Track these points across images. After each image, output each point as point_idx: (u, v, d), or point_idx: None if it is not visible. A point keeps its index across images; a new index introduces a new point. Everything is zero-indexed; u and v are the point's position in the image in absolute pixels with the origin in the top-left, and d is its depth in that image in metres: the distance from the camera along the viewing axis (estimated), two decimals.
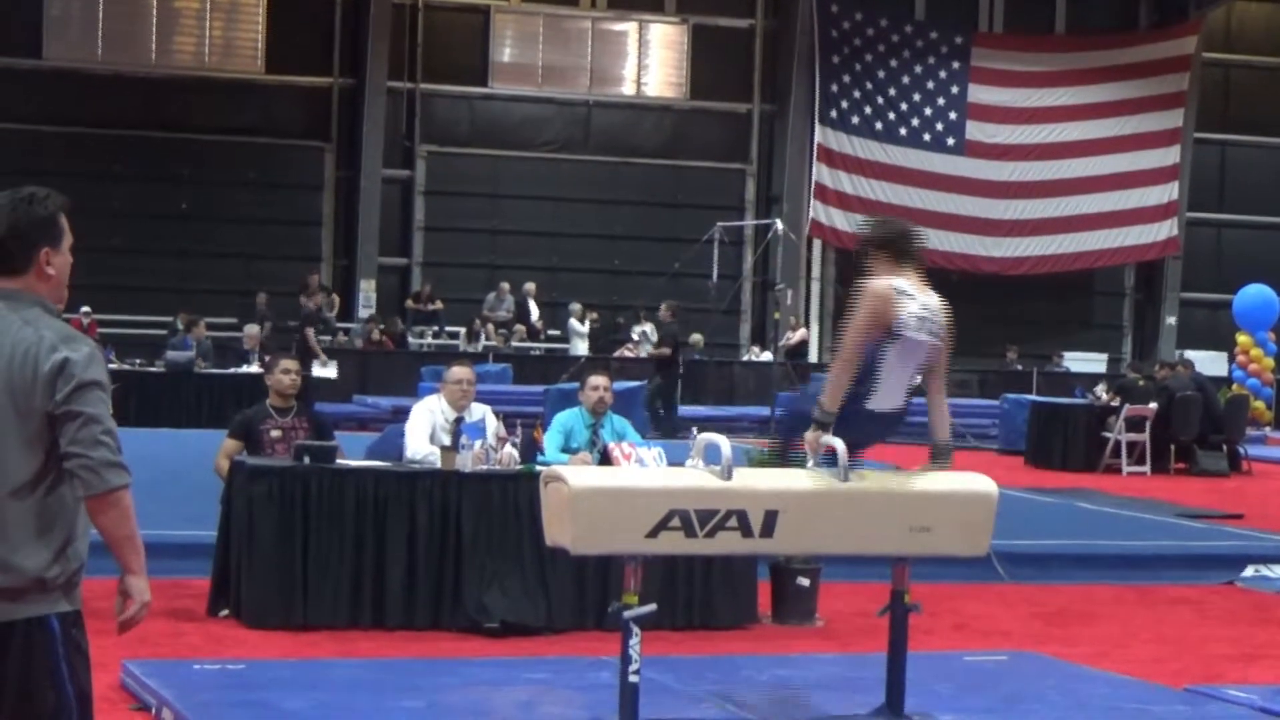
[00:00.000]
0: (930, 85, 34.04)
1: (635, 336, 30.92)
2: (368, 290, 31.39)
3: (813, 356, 32.65)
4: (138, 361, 24.40)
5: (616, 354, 29.23)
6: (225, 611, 9.86)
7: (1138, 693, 8.52)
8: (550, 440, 10.77)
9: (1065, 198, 34.56)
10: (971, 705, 8.09)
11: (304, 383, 11.79)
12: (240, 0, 31.85)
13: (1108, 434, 21.98)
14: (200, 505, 11.53)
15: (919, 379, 7.63)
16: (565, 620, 9.89)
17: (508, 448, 10.07)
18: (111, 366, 21.11)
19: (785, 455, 8.23)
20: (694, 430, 8.55)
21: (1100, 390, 24.17)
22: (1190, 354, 29.63)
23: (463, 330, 30.83)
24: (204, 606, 9.96)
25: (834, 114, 33.51)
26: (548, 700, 8.00)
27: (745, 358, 32.28)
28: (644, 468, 9.64)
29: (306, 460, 9.81)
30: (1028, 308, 33.97)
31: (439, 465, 9.98)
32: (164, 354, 24.64)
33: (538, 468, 9.46)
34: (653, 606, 6.99)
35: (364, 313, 30.70)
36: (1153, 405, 21.90)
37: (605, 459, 10.18)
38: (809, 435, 7.36)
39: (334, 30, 32.04)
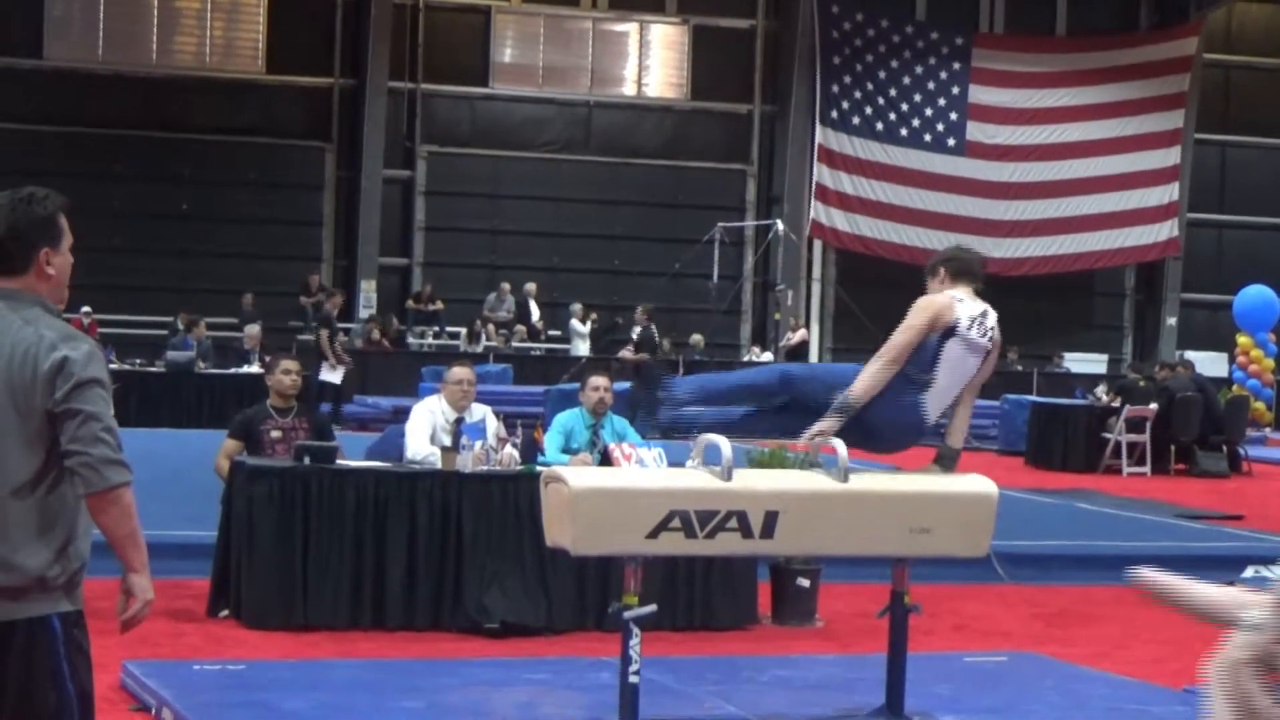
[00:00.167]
0: (931, 86, 34.04)
1: (635, 337, 30.93)
2: (368, 290, 31.39)
3: (813, 357, 32.64)
4: (138, 361, 24.42)
5: (618, 354, 29.21)
6: (225, 612, 9.86)
7: (1137, 693, 8.52)
8: (551, 441, 10.77)
9: (1066, 198, 34.55)
10: (971, 706, 8.09)
11: (306, 384, 11.80)
12: (241, 0, 31.85)
13: (1108, 435, 21.98)
14: (200, 505, 11.53)
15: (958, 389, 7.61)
16: (565, 621, 9.89)
17: (508, 448, 10.08)
18: (112, 366, 21.12)
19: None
20: (694, 431, 8.55)
21: (1100, 391, 24.18)
22: (1190, 355, 29.63)
23: (463, 331, 30.83)
24: (204, 607, 9.96)
25: (835, 114, 33.51)
26: (548, 701, 8.00)
27: (746, 358, 32.28)
28: (644, 468, 9.63)
29: (307, 460, 9.81)
30: (1028, 308, 33.93)
31: (439, 466, 9.99)
32: (164, 354, 24.65)
33: (538, 468, 9.47)
34: (653, 607, 6.99)
35: (364, 313, 30.70)
36: (1153, 406, 21.90)
37: (606, 459, 10.18)
38: (823, 423, 7.23)
39: (335, 30, 32.04)
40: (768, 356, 30.69)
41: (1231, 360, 29.95)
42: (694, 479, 7.12)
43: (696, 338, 31.22)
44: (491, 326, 30.77)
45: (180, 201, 31.19)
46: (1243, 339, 29.29)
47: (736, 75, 33.99)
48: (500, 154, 32.93)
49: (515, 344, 30.49)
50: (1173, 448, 22.21)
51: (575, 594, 9.92)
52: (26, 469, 4.26)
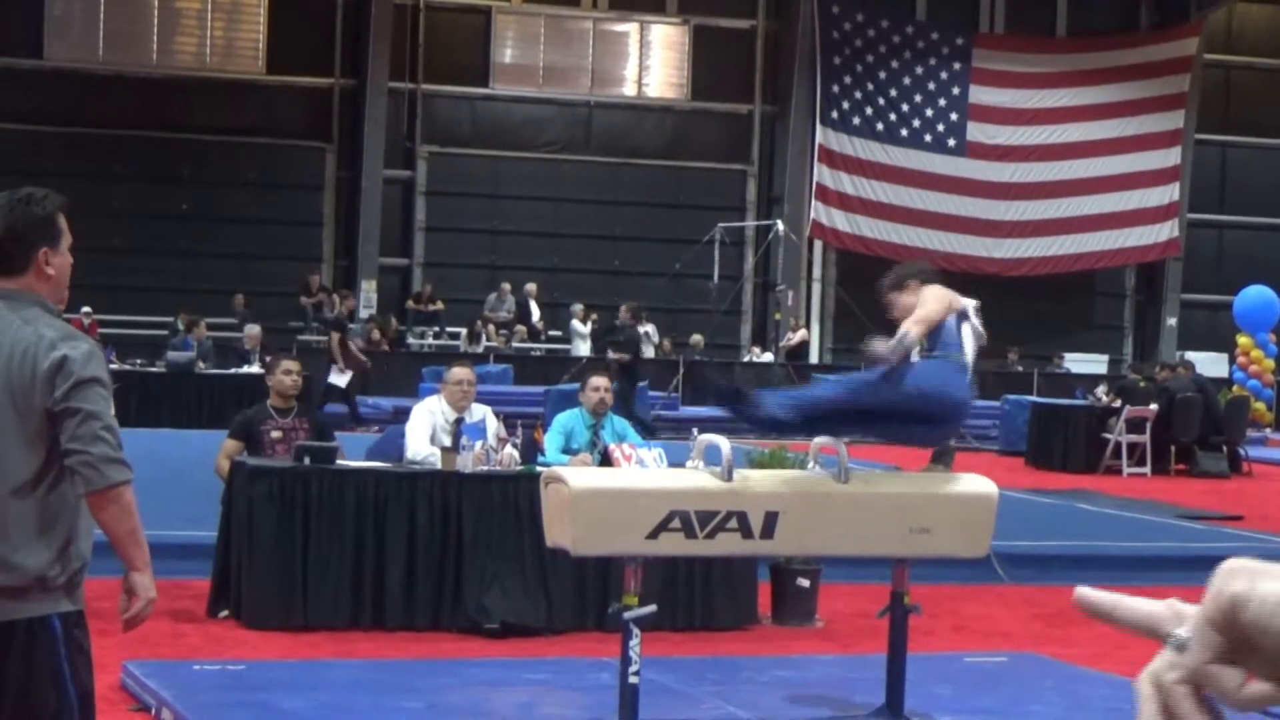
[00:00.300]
0: (931, 86, 34.04)
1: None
2: (368, 291, 31.38)
3: (813, 357, 32.66)
4: (138, 362, 24.41)
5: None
6: (225, 612, 9.86)
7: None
8: (551, 441, 10.77)
9: (1066, 199, 34.55)
10: (971, 706, 8.10)
11: (307, 385, 11.79)
12: (241, 1, 31.85)
13: (1108, 435, 21.98)
14: (200, 506, 11.54)
15: None
16: (565, 621, 9.89)
17: (508, 448, 10.08)
18: (112, 367, 21.10)
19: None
20: (695, 431, 8.56)
21: (1101, 391, 24.18)
22: (1191, 355, 29.62)
23: (464, 331, 30.83)
24: (204, 607, 9.96)
25: (835, 115, 33.51)
26: (547, 701, 8.01)
27: (746, 358, 32.29)
28: (644, 469, 9.64)
29: (307, 461, 9.82)
30: (1028, 309, 33.94)
31: (439, 466, 9.99)
32: (165, 354, 24.65)
33: (538, 469, 9.47)
34: (653, 608, 6.99)
35: (365, 313, 30.70)
36: (1153, 406, 21.89)
37: (606, 460, 10.19)
38: (883, 345, 7.30)
39: (335, 31, 32.05)
40: (768, 357, 30.70)
41: (1232, 361, 29.94)
42: (694, 479, 7.13)
43: (697, 338, 31.23)
44: (492, 327, 30.78)
45: (180, 201, 31.20)
46: (1243, 339, 29.29)
47: (737, 75, 33.99)
48: (501, 154, 32.93)
49: (515, 344, 30.49)
50: (1173, 448, 22.21)
51: (575, 594, 9.92)
52: (27, 468, 4.26)
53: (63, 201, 4.50)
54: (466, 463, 9.88)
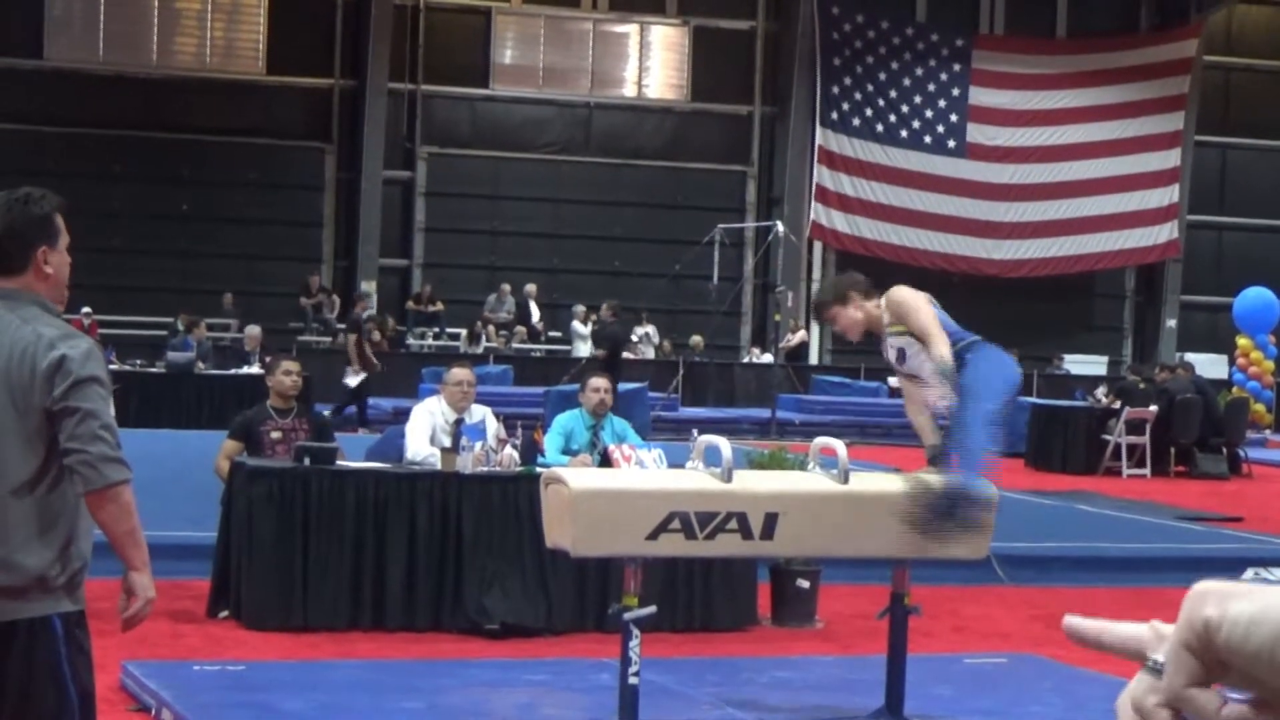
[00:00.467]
0: (931, 87, 34.05)
1: (635, 338, 30.94)
2: (368, 291, 31.38)
3: (812, 358, 32.68)
4: (138, 362, 24.41)
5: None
6: (225, 613, 9.86)
7: None
8: (550, 442, 10.78)
9: (1066, 200, 34.55)
10: (971, 707, 8.10)
11: (307, 385, 11.79)
12: (241, 1, 31.86)
13: (1108, 436, 21.97)
14: (200, 506, 11.54)
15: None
16: (565, 622, 9.89)
17: (508, 449, 10.08)
18: (112, 367, 21.11)
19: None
20: (694, 432, 8.57)
21: (1100, 393, 24.18)
22: (1190, 357, 29.62)
23: (463, 332, 30.83)
24: (204, 608, 9.96)
25: (835, 116, 33.52)
26: (547, 702, 8.01)
27: (745, 359, 32.30)
28: (644, 470, 9.64)
29: (307, 461, 9.82)
30: (1028, 310, 33.95)
31: (439, 467, 9.99)
32: (164, 354, 24.65)
33: (538, 469, 9.47)
34: (653, 608, 7.00)
35: (364, 314, 30.69)
36: (1153, 408, 21.89)
37: (605, 461, 10.19)
38: (938, 393, 7.32)
39: (335, 31, 32.05)
40: (767, 358, 30.70)
41: (1231, 362, 29.96)
42: (694, 480, 7.13)
43: (696, 339, 31.24)
44: (491, 328, 30.78)
45: (180, 202, 31.20)
46: (1242, 341, 29.30)
47: (737, 77, 34.00)
48: (500, 155, 32.93)
49: (515, 345, 30.50)
50: (1172, 450, 22.20)
51: (575, 595, 9.92)
52: (26, 468, 4.26)
53: (60, 201, 4.50)
54: (466, 463, 9.88)
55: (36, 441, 4.27)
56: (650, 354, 31.02)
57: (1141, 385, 22.70)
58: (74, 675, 4.28)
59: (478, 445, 9.98)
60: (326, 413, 23.60)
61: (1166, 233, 35.05)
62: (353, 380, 24.28)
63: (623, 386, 17.85)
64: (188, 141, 31.22)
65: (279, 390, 10.70)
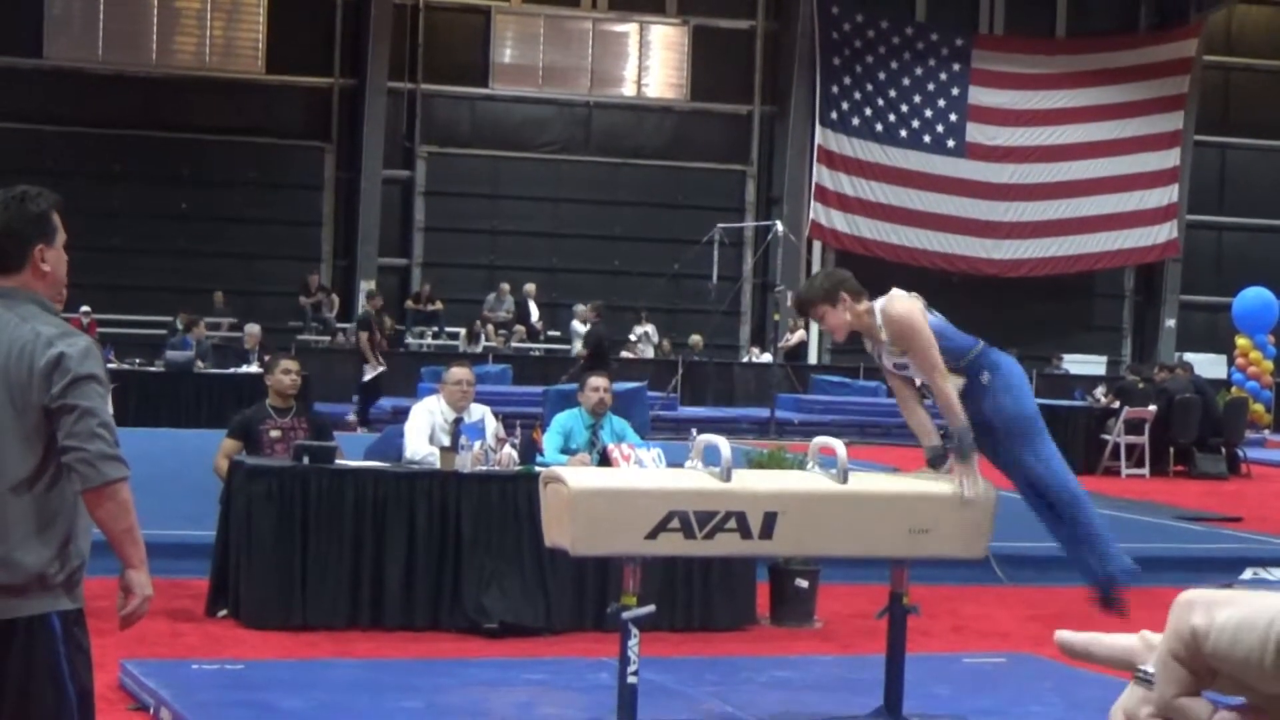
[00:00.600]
0: (931, 87, 34.05)
1: (633, 337, 30.94)
2: (368, 290, 31.38)
3: (811, 358, 32.67)
4: (137, 361, 24.41)
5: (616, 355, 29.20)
6: (224, 611, 9.86)
7: None
8: (549, 441, 10.77)
9: (1065, 200, 34.55)
10: (970, 707, 8.10)
11: (307, 384, 11.78)
12: (241, 1, 31.85)
13: (1107, 436, 21.97)
14: (199, 505, 11.53)
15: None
16: (564, 621, 9.89)
17: (507, 448, 10.08)
18: (111, 366, 21.11)
19: None
20: (693, 431, 8.56)
21: (1099, 392, 24.18)
22: (1189, 356, 29.62)
23: (463, 331, 30.83)
24: (203, 606, 9.96)
25: (834, 115, 33.52)
26: (546, 701, 8.01)
27: (745, 359, 32.30)
28: (643, 469, 9.64)
29: (306, 460, 9.82)
30: (1027, 310, 33.96)
31: (438, 466, 9.99)
32: (164, 354, 24.65)
33: (537, 469, 9.47)
34: (651, 608, 6.99)
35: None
36: (1152, 408, 21.89)
37: (604, 460, 10.19)
38: (962, 467, 7.33)
39: (335, 30, 32.04)
40: (767, 357, 30.70)
41: (1230, 362, 29.96)
42: (693, 480, 7.13)
43: (696, 338, 31.23)
44: (491, 327, 30.78)
45: (180, 201, 31.19)
46: (1242, 341, 29.30)
47: (736, 76, 33.99)
48: (500, 154, 32.93)
49: (514, 344, 30.49)
50: (1171, 449, 22.20)
51: (574, 594, 9.92)
52: (25, 466, 4.26)
53: (57, 199, 4.50)
54: (465, 463, 9.88)
55: (35, 439, 4.27)
56: (649, 353, 31.03)
57: (1140, 385, 22.70)
58: (73, 674, 4.28)
59: (477, 444, 9.98)
60: (351, 415, 23.77)
61: (1166, 232, 35.04)
62: (368, 374, 24.29)
63: (621, 386, 17.79)
64: (187, 141, 31.22)
65: (278, 389, 10.70)
